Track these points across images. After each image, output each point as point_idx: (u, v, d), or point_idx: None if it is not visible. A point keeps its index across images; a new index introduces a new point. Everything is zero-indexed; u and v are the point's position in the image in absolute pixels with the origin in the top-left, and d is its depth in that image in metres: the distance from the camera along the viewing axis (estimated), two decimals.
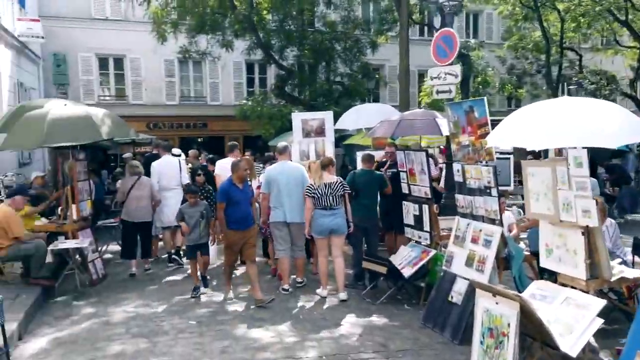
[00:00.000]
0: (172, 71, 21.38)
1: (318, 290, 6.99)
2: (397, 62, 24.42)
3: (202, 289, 7.07)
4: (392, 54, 21.48)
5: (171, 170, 8.90)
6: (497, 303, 4.49)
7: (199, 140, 22.03)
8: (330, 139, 10.61)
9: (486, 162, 5.57)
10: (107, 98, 20.74)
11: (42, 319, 6.09)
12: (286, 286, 7.13)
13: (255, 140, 19.06)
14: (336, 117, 10.73)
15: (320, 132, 10.78)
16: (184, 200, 7.53)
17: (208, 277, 7.50)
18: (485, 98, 5.50)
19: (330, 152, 10.42)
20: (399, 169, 7.37)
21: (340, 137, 13.51)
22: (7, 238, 6.69)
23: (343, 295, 6.80)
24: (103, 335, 5.51)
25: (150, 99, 21.15)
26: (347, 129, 13.19)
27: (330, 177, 6.83)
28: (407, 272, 6.67)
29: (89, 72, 20.34)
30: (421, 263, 6.69)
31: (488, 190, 5.54)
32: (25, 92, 15.08)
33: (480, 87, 17.24)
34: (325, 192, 6.71)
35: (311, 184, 6.83)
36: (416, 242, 7.19)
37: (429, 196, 6.84)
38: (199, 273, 7.19)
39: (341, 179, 6.99)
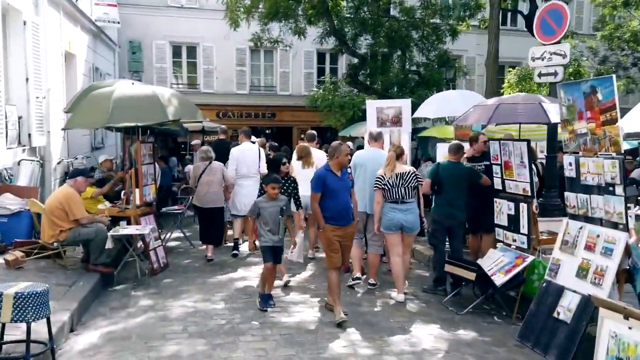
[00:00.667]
0: (244, 60, 21.10)
1: (393, 295, 6.25)
2: (475, 52, 23.37)
3: (270, 305, 5.79)
4: (470, 44, 20.32)
5: (251, 157, 8.44)
6: (630, 328, 3.58)
7: (267, 131, 21.78)
8: (407, 129, 9.89)
9: (610, 154, 4.60)
10: (180, 86, 20.58)
11: (97, 310, 5.70)
12: (358, 275, 6.60)
13: (325, 131, 18.48)
14: (413, 108, 9.89)
15: (397, 121, 10.10)
16: (261, 191, 6.66)
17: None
18: (613, 76, 4.52)
19: (406, 143, 9.77)
20: (492, 162, 6.45)
21: (414, 130, 12.63)
22: (68, 221, 6.37)
23: (399, 297, 6.13)
24: (158, 333, 5.01)
25: (221, 87, 20.99)
26: (424, 119, 12.32)
27: (403, 167, 6.22)
28: (498, 279, 5.78)
29: (162, 60, 20.37)
30: (516, 270, 5.78)
31: (611, 188, 4.56)
32: (101, 77, 15.17)
33: (572, 78, 15.70)
34: (396, 184, 6.05)
35: (381, 175, 6.13)
36: (508, 245, 6.28)
37: (529, 193, 5.90)
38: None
39: (414, 169, 6.37)
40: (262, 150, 9.03)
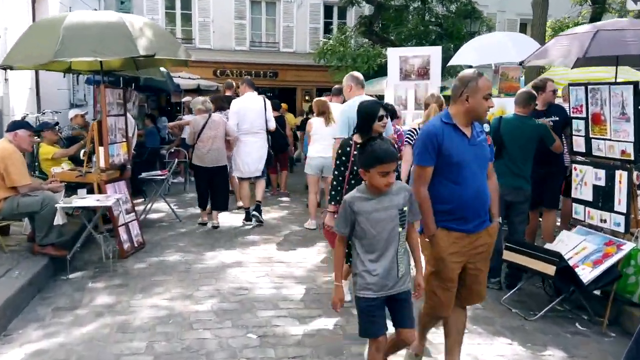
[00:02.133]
0: (243, 12, 19.39)
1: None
2: (497, 9, 21.48)
3: None
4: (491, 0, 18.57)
5: (255, 110, 7.24)
6: None
7: (269, 93, 20.19)
8: (437, 83, 8.32)
9: None
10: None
11: (35, 311, 4.12)
12: None
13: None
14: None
15: (424, 73, 8.52)
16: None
17: None
18: None
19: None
20: (573, 115, 4.80)
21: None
22: (4, 187, 4.78)
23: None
24: (109, 355, 3.44)
25: (218, 43, 19.36)
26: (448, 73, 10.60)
27: None
28: (585, 274, 4.23)
29: (154, 11, 18.61)
30: (609, 262, 4.22)
31: None
32: None
33: None
34: None
35: (414, 128, 5.12)
36: (590, 226, 4.71)
37: (631, 157, 4.27)
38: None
39: None
40: (268, 102, 7.59)
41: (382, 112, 3.69)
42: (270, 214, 7.86)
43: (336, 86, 8.08)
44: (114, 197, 5.36)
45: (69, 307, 4.21)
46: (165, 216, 7.60)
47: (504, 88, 7.58)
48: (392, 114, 5.60)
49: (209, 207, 7.23)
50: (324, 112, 6.76)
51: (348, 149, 3.81)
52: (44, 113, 9.29)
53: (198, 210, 7.43)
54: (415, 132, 5.18)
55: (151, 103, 17.04)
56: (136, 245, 5.82)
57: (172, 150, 11.18)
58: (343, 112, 4.76)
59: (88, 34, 4.95)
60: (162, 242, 6.25)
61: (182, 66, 7.03)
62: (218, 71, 19.14)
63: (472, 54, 7.87)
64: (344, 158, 3.84)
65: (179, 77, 15.54)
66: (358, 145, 3.12)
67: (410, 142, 5.16)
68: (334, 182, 3.91)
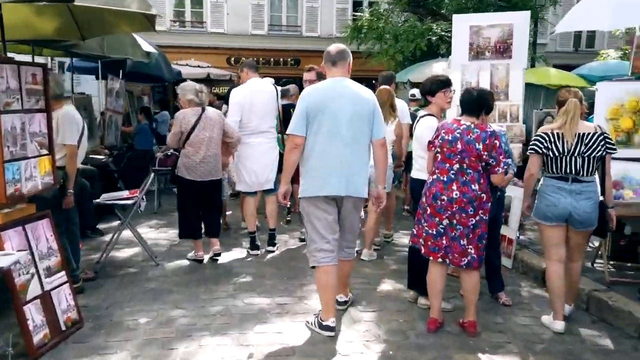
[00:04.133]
0: None
1: (545, 319, 3.86)
2: None
3: None
4: None
5: (263, 101, 5.46)
6: None
7: (293, 84, 18.02)
8: (522, 62, 6.20)
9: None
10: (181, 25, 17.29)
11: None
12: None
13: (367, 82, 14.48)
14: None
15: (503, 49, 6.35)
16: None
17: None
18: None
19: (519, 85, 5.92)
20: None
21: None
22: None
23: (558, 325, 3.77)
24: None
25: (233, 27, 17.38)
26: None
27: (585, 125, 3.81)
28: None
29: None
30: None
31: None
32: None
33: None
34: (570, 150, 3.71)
35: (546, 133, 3.79)
36: None
37: None
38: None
39: (603, 128, 3.82)
40: (278, 90, 5.71)
41: None
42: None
43: (384, 73, 5.99)
44: (11, 256, 3.03)
45: None
46: (133, 257, 5.30)
47: None
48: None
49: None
50: (387, 103, 5.15)
51: None
52: None
53: (180, 244, 5.29)
54: (546, 139, 3.76)
55: (156, 95, 14.96)
56: (64, 328, 3.50)
57: (168, 154, 8.85)
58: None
59: None
60: (125, 307, 3.96)
61: (148, 30, 4.72)
62: (232, 59, 17.14)
63: (603, 13, 5.23)
64: None
65: (187, 65, 13.57)
66: None
67: (537, 150, 3.80)
68: None
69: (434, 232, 3.56)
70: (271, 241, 5.56)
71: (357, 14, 14.62)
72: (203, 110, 5.06)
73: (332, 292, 3.65)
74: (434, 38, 10.45)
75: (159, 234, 6.26)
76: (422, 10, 11.34)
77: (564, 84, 8.86)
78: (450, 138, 3.51)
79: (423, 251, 3.65)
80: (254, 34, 17.36)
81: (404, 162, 5.81)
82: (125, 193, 5.15)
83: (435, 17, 11.10)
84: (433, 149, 3.62)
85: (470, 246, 3.51)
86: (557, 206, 3.79)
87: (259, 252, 5.43)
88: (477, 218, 3.49)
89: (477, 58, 5.98)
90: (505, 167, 3.55)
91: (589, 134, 3.70)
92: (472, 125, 3.51)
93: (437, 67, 9.21)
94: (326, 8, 17.55)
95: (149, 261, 5.09)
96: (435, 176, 3.59)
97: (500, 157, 3.49)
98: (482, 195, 3.49)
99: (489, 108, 3.90)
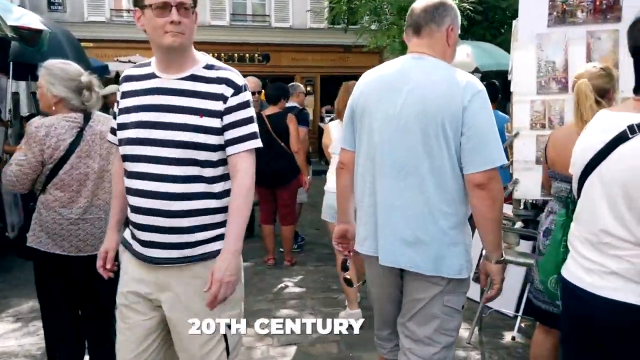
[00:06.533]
0: None
1: None
2: None
3: None
4: None
5: None
6: None
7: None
8: None
9: None
10: (124, 15, 15.38)
11: None
12: None
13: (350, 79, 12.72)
14: None
15: (608, 8, 4.38)
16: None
17: None
18: None
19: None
20: None
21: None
22: None
23: None
24: None
25: None
26: None
27: None
28: None
29: None
30: None
31: None
32: None
33: None
34: None
35: None
36: None
37: None
38: None
39: None
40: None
41: None
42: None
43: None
44: None
45: None
46: None
47: None
48: None
49: None
50: None
51: None
52: None
53: None
54: None
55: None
56: None
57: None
58: None
59: None
60: None
61: None
62: None
63: None
64: None
65: (129, 61, 11.65)
66: None
67: None
68: None
69: None
70: None
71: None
72: (87, 119, 2.71)
73: None
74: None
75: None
76: None
77: None
78: None
79: None
80: (214, 24, 15.61)
81: None
82: None
83: None
84: None
85: None
86: None
87: None
88: None
89: (564, 22, 3.79)
90: None
91: None
92: None
93: (458, 52, 6.90)
94: None
95: None
96: None
97: None
98: None
99: None
